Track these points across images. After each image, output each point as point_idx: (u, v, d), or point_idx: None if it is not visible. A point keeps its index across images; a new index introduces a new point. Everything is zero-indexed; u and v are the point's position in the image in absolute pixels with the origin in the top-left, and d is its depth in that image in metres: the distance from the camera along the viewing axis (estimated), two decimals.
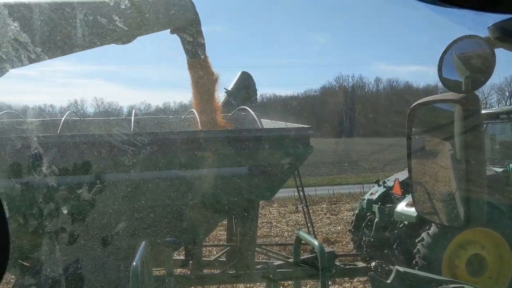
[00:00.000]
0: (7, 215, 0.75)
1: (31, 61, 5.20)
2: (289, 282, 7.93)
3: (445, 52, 1.74)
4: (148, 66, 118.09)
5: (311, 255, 7.50)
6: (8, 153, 5.50)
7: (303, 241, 5.50)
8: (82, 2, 5.94)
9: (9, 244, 0.78)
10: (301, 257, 6.61)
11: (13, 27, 4.72)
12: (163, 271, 6.34)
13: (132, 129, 7.49)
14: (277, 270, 6.50)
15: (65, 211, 5.71)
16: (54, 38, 5.52)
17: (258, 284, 8.27)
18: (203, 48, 7.61)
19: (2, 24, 4.70)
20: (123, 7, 6.01)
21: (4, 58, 4.76)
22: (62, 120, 7.79)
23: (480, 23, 1.45)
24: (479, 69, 1.71)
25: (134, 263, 4.25)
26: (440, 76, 1.77)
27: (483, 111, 8.28)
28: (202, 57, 7.62)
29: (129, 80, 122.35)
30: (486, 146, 7.61)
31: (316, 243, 4.85)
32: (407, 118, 2.01)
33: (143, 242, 4.77)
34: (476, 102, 1.77)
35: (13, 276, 7.05)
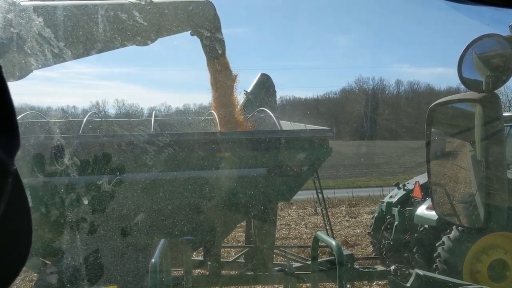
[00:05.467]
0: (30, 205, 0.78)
1: (55, 56, 5.30)
2: (307, 285, 7.90)
3: (465, 52, 1.73)
4: (169, 68, 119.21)
5: (329, 258, 7.48)
6: (33, 151, 5.62)
7: (322, 243, 5.49)
8: (103, 1, 6.06)
9: (32, 236, 0.80)
10: (319, 259, 6.59)
11: (37, 22, 4.82)
12: (181, 272, 6.40)
13: (152, 130, 7.58)
14: (295, 272, 6.49)
15: (86, 207, 5.82)
16: (77, 34, 5.63)
17: (276, 286, 8.26)
18: (222, 45, 7.65)
19: (27, 20, 4.81)
20: (143, 3, 6.10)
21: (29, 52, 4.86)
22: (84, 121, 7.92)
23: (499, 20, 1.43)
24: (500, 68, 1.69)
25: (153, 260, 4.29)
26: (460, 75, 1.76)
27: (505, 114, 8.13)
28: (220, 52, 7.66)
29: (150, 82, 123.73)
30: (507, 149, 7.46)
31: (333, 242, 4.85)
32: (426, 118, 2.00)
33: (162, 240, 4.82)
34: (497, 101, 1.75)
35: (35, 274, 7.20)
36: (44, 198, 5.77)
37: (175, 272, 6.66)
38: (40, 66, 5.31)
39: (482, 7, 1.12)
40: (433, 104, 1.98)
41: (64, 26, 5.42)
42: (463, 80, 1.76)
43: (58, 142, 5.58)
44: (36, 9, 5.09)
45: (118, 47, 6.28)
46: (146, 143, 6.05)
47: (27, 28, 4.76)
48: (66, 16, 5.48)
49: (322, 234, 5.42)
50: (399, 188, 9.52)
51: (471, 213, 2.00)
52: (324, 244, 6.45)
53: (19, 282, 7.65)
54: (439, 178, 2.22)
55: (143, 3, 6.19)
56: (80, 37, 5.65)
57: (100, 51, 6.11)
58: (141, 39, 6.41)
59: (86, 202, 5.80)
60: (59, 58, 5.43)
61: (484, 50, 1.71)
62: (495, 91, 1.72)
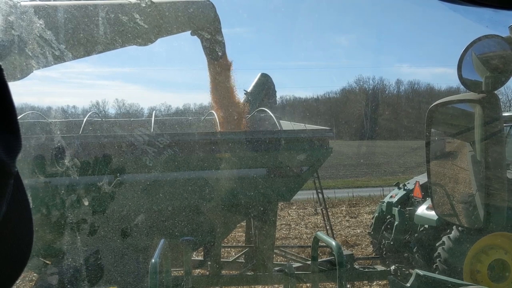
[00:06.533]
0: (31, 206, 0.78)
1: (56, 58, 5.30)
2: (307, 285, 7.91)
3: (464, 52, 1.73)
4: (169, 68, 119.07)
5: (329, 258, 7.48)
6: (33, 152, 5.62)
7: (322, 243, 5.48)
8: (104, 2, 6.06)
9: (33, 237, 0.80)
10: (320, 260, 6.59)
11: (38, 24, 4.82)
12: (181, 272, 6.40)
13: (152, 130, 7.58)
14: (295, 272, 6.49)
15: (86, 208, 5.82)
16: (77, 36, 5.63)
17: (276, 286, 8.26)
18: (222, 47, 7.65)
19: (28, 22, 4.81)
20: (143, 5, 6.11)
21: (30, 54, 4.86)
22: (84, 121, 7.92)
23: (498, 22, 1.43)
24: (500, 69, 1.69)
25: (153, 260, 4.29)
26: (460, 76, 1.76)
27: (505, 114, 8.12)
28: (220, 54, 7.66)
29: (150, 82, 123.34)
30: (507, 149, 7.46)
31: (333, 242, 4.84)
32: (426, 118, 2.00)
33: (162, 240, 4.82)
34: (496, 102, 1.75)
35: (35, 275, 7.20)
36: (44, 199, 5.77)
37: (175, 272, 6.66)
38: (40, 67, 5.30)
39: (481, 9, 1.12)
40: (433, 104, 1.99)
41: (64, 27, 5.42)
42: (462, 80, 1.76)
43: (58, 143, 5.59)
44: (37, 11, 5.09)
45: (118, 48, 6.28)
46: (146, 143, 6.05)
47: (28, 30, 4.76)
48: (67, 18, 5.48)
49: (322, 234, 5.41)
50: (399, 188, 9.53)
51: (471, 213, 2.00)
52: (324, 244, 6.46)
53: (19, 282, 7.64)
54: (439, 178, 2.22)
55: (143, 4, 6.19)
56: (80, 39, 5.65)
57: (100, 52, 6.11)
58: (142, 40, 6.41)
59: (86, 203, 5.81)
60: (59, 59, 5.44)
61: (483, 51, 1.71)
62: (495, 92, 1.73)
